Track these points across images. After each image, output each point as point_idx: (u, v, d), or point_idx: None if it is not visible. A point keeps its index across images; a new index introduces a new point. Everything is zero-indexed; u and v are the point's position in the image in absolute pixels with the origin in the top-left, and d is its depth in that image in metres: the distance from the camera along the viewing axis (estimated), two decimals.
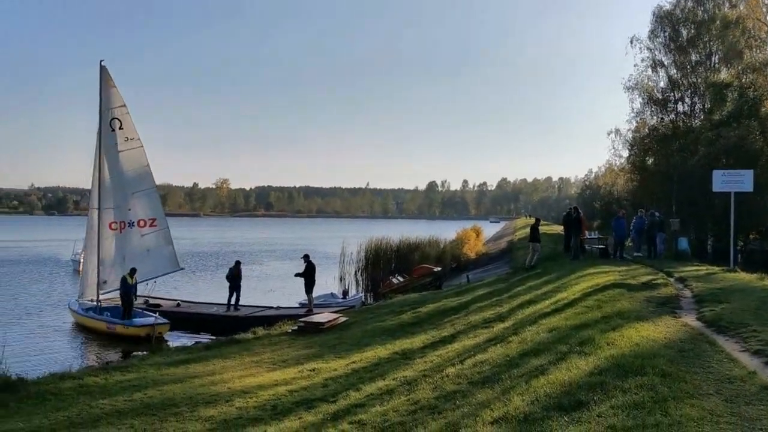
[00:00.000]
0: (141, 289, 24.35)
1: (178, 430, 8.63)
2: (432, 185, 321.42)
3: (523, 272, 23.31)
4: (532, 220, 33.06)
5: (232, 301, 24.48)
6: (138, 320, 21.34)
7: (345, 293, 30.10)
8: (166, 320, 21.59)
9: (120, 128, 24.05)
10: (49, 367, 15.31)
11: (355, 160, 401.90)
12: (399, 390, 9.12)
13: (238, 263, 25.38)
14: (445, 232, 55.40)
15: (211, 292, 32.21)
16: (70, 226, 46.47)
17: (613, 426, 5.53)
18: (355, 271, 38.49)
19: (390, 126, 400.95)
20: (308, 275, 23.42)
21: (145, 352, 16.94)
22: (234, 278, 24.77)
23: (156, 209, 25.26)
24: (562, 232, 28.81)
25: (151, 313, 22.14)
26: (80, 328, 23.06)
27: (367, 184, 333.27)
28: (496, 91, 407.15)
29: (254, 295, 30.43)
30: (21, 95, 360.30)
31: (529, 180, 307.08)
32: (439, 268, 32.00)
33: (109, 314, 22.31)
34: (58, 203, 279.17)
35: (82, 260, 27.65)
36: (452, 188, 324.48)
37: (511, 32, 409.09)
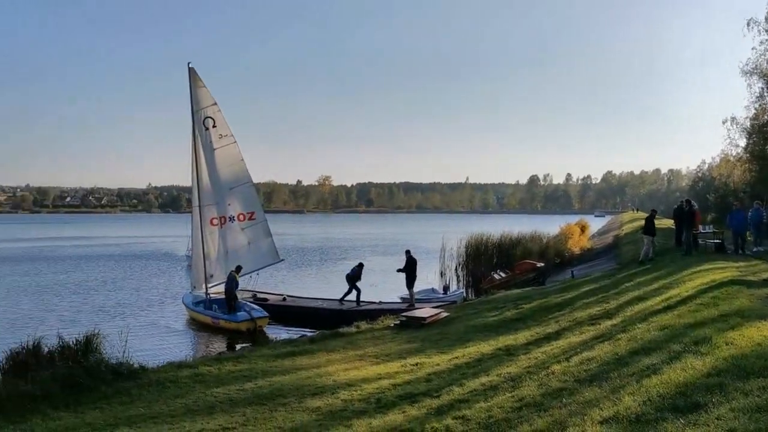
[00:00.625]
0: (245, 282, 25.30)
1: (287, 420, 8.91)
2: (533, 179, 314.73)
3: (635, 267, 22.49)
4: (640, 214, 31.76)
5: (350, 297, 24.49)
6: (239, 315, 22.12)
7: (446, 289, 30.06)
8: (265, 314, 22.29)
9: (213, 126, 24.96)
10: (166, 357, 16.22)
11: (454, 155, 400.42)
12: (503, 386, 9.03)
13: (361, 265, 25.39)
14: (548, 227, 54.19)
15: (316, 287, 33.07)
16: (184, 222, 48.81)
17: (733, 429, 5.25)
18: (456, 267, 38.34)
19: (490, 120, 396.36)
20: (410, 270, 23.54)
21: (250, 345, 17.66)
22: (354, 279, 24.75)
23: (253, 203, 26.09)
24: (673, 226, 27.48)
25: (254, 307, 22.92)
26: (192, 320, 24.22)
27: (467, 179, 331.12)
28: (600, 82, 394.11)
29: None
30: (138, 99, 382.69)
31: (636, 172, 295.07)
32: (542, 264, 31.34)
33: (217, 307, 23.26)
34: (172, 201, 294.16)
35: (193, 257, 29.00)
36: (555, 182, 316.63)
37: (612, 20, 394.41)
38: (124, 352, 12.88)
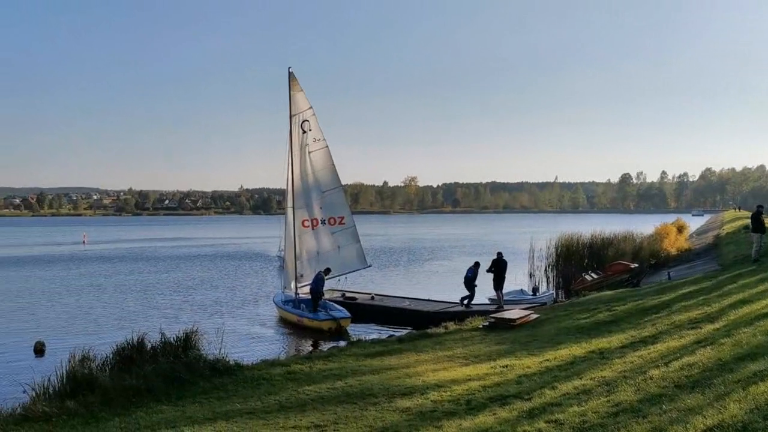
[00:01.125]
0: (333, 283, 25.74)
1: (378, 419, 8.98)
2: (626, 177, 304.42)
3: (739, 267, 21.36)
4: (743, 213, 30.10)
5: (465, 301, 23.88)
6: (322, 314, 22.46)
7: (535, 290, 29.51)
8: (348, 315, 22.53)
9: (309, 130, 25.48)
10: (258, 354, 16.70)
11: (543, 153, 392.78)
12: (597, 390, 8.77)
13: (477, 264, 24.37)
14: (642, 226, 52.28)
15: (404, 287, 33.21)
16: (274, 224, 50.20)
17: None
18: (545, 268, 37.57)
19: (580, 116, 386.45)
20: (499, 272, 23.25)
21: (340, 344, 17.89)
22: (472, 280, 23.87)
23: (343, 207, 26.45)
24: None
25: (338, 307, 23.23)
26: (281, 319, 24.82)
27: (556, 178, 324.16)
28: (696, 75, 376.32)
29: (444, 291, 30.86)
30: (232, 105, 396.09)
31: (738, 169, 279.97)
32: (636, 265, 30.23)
33: (304, 306, 23.72)
34: (263, 203, 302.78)
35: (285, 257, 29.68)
36: (648, 180, 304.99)
37: (710, 11, 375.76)
38: (220, 349, 13.33)
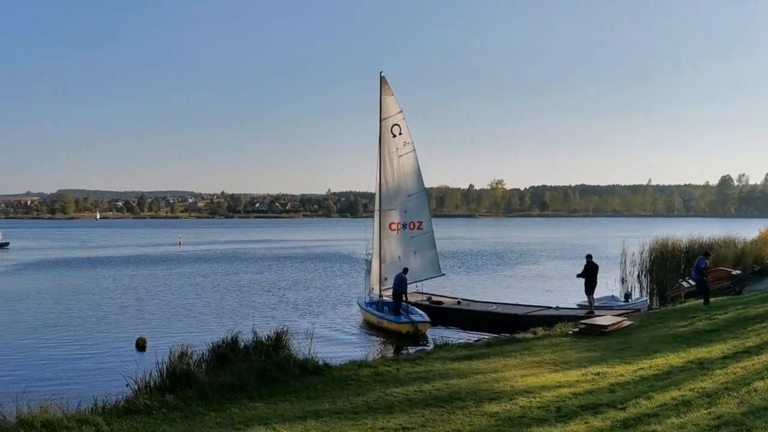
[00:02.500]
0: (416, 288, 25.79)
1: (465, 424, 8.93)
2: (726, 180, 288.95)
3: None
4: None
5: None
6: (401, 318, 22.45)
7: (627, 296, 28.50)
8: (427, 319, 22.43)
9: (399, 134, 25.64)
10: (344, 355, 16.92)
11: (635, 154, 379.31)
12: (697, 402, 8.40)
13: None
14: (744, 231, 49.56)
15: (490, 291, 32.85)
16: (361, 226, 50.69)
17: None
18: (639, 274, 36.22)
19: (672, 117, 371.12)
20: (590, 276, 22.61)
21: (420, 347, 17.89)
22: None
23: (423, 212, 26.45)
24: None
25: (418, 311, 23.18)
26: (364, 321, 25.03)
27: (649, 181, 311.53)
28: None
29: (532, 295, 30.37)
30: (321, 109, 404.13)
31: None
32: (738, 272, 28.71)
33: (387, 309, 23.81)
34: (350, 206, 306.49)
35: (371, 260, 29.95)
36: (751, 182, 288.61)
37: None
38: (309, 349, 13.62)
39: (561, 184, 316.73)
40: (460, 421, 9.09)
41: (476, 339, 19.12)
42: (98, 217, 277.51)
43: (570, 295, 28.16)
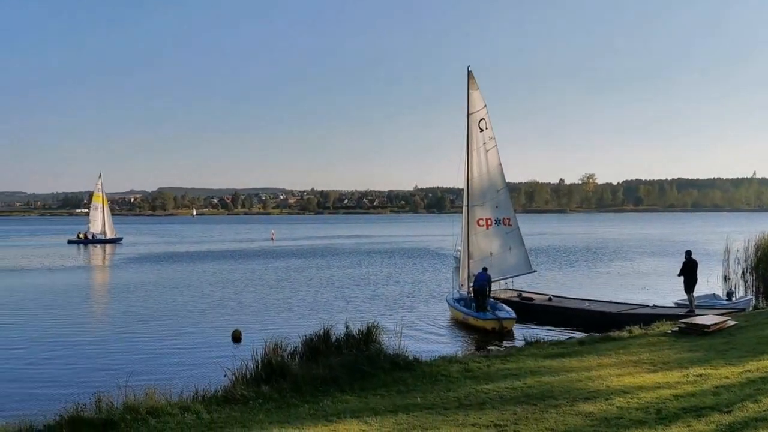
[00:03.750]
0: (503, 284, 25.49)
1: (559, 423, 8.75)
2: None
3: None
4: None
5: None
6: (486, 314, 22.16)
7: (730, 294, 27.10)
8: (513, 315, 22.06)
9: (485, 128, 25.41)
10: (433, 350, 16.93)
11: (737, 146, 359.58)
12: None
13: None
14: None
15: (582, 288, 32.03)
16: (448, 222, 50.54)
17: None
18: (743, 271, 34.34)
19: None
20: (689, 273, 21.63)
21: (510, 343, 17.63)
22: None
23: (510, 209, 26.11)
24: None
25: (505, 307, 22.84)
26: (452, 317, 24.91)
27: (754, 173, 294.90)
28: None
29: (627, 292, 29.38)
30: (406, 105, 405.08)
31: None
32: None
33: (474, 305, 23.58)
34: (437, 202, 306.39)
35: (460, 256, 29.80)
36: None
37: None
38: (399, 343, 13.70)
39: (656, 178, 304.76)
40: (554, 419, 8.91)
41: (568, 337, 18.70)
42: (194, 213, 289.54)
43: (667, 293, 27.07)
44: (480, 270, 23.54)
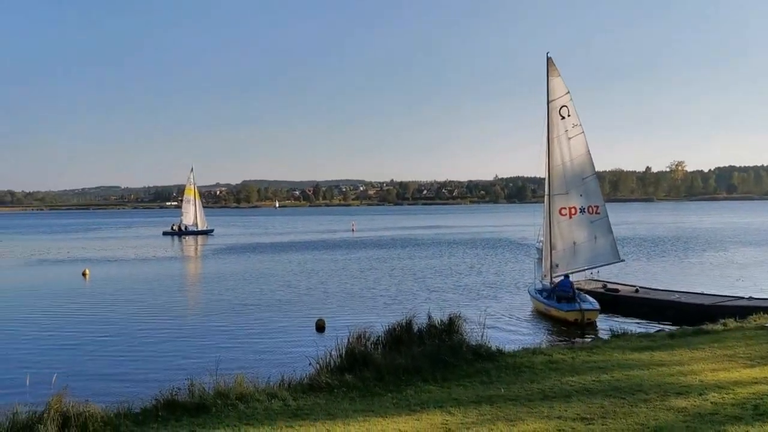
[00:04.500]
0: (587, 274, 25.05)
1: (650, 417, 8.50)
2: None
3: None
4: None
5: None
6: (567, 305, 21.59)
7: None
8: (597, 307, 21.43)
9: (567, 115, 24.75)
10: (515, 341, 16.76)
11: None
12: None
13: None
14: None
15: (672, 279, 30.88)
16: (529, 212, 49.73)
17: None
18: None
19: None
20: None
21: (602, 336, 17.20)
22: None
23: (599, 196, 25.32)
24: None
25: (589, 298, 22.22)
26: (534, 308, 24.50)
27: None
28: None
29: (720, 284, 28.13)
30: (485, 95, 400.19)
31: None
32: None
33: (555, 296, 23.06)
34: (517, 191, 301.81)
35: (542, 248, 29.27)
36: None
37: None
38: (482, 334, 13.63)
39: (752, 165, 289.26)
40: (644, 414, 8.67)
41: (657, 329, 18.08)
42: (277, 205, 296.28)
43: (766, 285, 25.75)
44: (563, 279, 23.08)
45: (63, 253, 56.82)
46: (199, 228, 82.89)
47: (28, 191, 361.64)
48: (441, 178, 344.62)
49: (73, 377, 13.52)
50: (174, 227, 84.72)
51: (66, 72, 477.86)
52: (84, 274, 37.85)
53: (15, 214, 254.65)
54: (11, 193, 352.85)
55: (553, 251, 25.06)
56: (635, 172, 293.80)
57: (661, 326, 19.38)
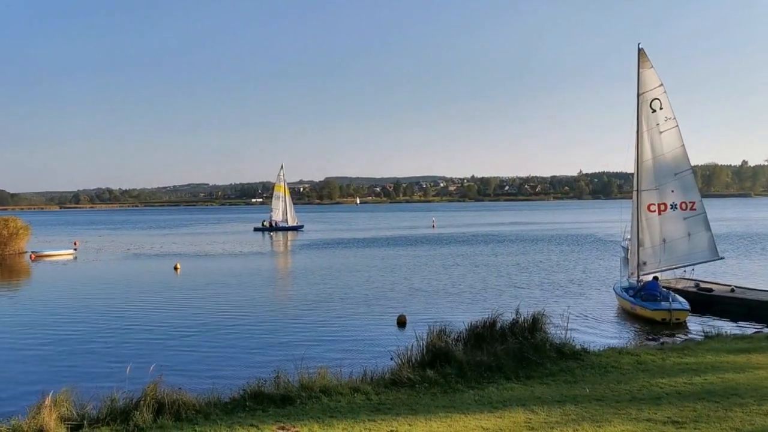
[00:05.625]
0: (681, 273, 24.06)
1: (745, 422, 8.13)
2: None
3: None
4: None
5: None
6: (654, 304, 20.74)
7: None
8: (686, 306, 20.49)
9: (660, 108, 23.81)
10: (600, 341, 16.32)
11: None
12: None
13: None
14: None
15: None
16: (615, 208, 48.24)
17: None
18: None
19: None
20: None
21: (685, 336, 16.49)
22: None
23: (695, 191, 24.19)
24: None
25: (678, 298, 21.31)
26: (619, 307, 23.72)
27: None
28: None
29: None
30: (568, 89, 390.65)
31: None
32: None
33: (643, 294, 22.24)
34: (603, 187, 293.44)
35: (629, 246, 28.33)
36: None
37: None
38: (566, 333, 13.36)
39: None
40: (739, 419, 8.29)
41: (755, 331, 17.23)
42: (358, 201, 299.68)
43: None
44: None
45: (156, 248, 59.44)
46: (289, 224, 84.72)
47: (124, 189, 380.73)
48: (523, 174, 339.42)
49: (165, 367, 14.10)
50: (265, 223, 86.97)
51: (159, 77, 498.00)
52: (175, 268, 39.45)
53: (113, 211, 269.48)
54: (109, 191, 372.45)
55: (640, 248, 24.22)
56: (730, 166, 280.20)
57: (759, 327, 18.43)
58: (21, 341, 19.57)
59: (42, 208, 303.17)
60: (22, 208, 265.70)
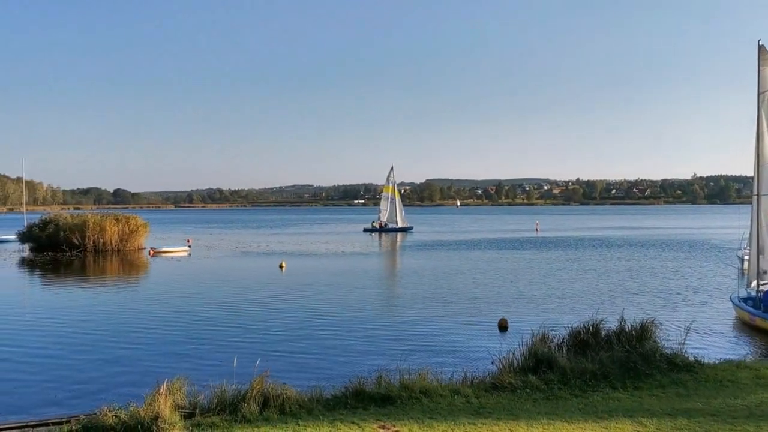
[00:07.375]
0: None
1: None
2: None
3: None
4: None
5: None
6: None
7: None
8: None
9: None
10: (715, 353, 15.44)
11: None
12: None
13: None
14: None
15: None
16: (733, 214, 45.54)
17: None
18: None
19: None
20: None
21: None
22: None
23: None
24: None
25: None
26: (737, 318, 22.37)
27: None
28: None
29: None
30: (681, 89, 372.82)
31: None
32: None
33: (764, 305, 20.82)
34: (719, 191, 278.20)
35: (744, 256, 26.65)
36: None
37: None
38: (678, 343, 12.78)
39: None
40: None
41: None
42: (458, 204, 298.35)
43: None
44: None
45: (263, 246, 61.63)
46: (399, 225, 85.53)
47: (233, 189, 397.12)
48: (632, 177, 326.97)
49: (269, 361, 14.58)
50: (374, 224, 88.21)
51: (259, 80, 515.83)
52: (281, 266, 40.72)
53: (222, 210, 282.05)
54: (219, 191, 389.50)
55: (761, 256, 22.75)
56: None
57: None
58: (137, 331, 20.77)
59: (159, 207, 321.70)
60: (141, 207, 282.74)
